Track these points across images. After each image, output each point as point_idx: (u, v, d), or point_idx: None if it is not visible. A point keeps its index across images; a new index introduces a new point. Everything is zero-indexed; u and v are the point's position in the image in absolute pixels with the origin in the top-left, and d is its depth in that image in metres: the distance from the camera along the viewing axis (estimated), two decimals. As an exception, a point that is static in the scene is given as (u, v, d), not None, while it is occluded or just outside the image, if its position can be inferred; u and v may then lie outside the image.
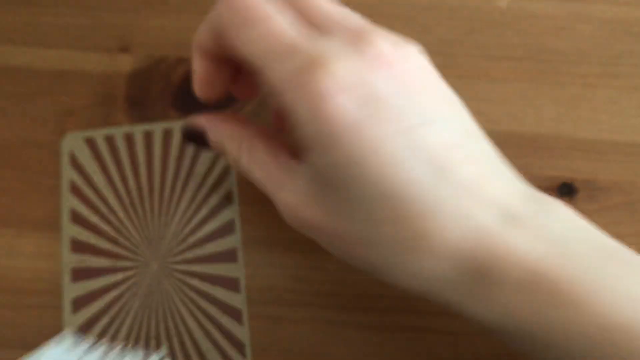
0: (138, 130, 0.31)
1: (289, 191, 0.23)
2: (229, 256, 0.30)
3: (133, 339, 0.29)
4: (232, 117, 0.27)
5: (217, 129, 0.26)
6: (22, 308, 0.30)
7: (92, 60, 0.33)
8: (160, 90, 0.32)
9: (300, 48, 0.21)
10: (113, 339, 0.29)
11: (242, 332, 0.29)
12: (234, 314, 0.30)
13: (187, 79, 0.32)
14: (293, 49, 0.21)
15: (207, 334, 0.29)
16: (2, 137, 0.32)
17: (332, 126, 0.20)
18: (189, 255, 0.30)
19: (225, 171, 0.31)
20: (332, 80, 0.20)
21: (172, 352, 0.29)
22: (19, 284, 0.30)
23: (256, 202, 0.31)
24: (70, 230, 0.30)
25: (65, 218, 0.30)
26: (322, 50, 0.21)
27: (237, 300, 0.30)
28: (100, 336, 0.29)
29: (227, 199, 0.31)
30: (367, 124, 0.20)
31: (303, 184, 0.23)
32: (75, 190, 0.30)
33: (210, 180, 0.31)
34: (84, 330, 0.29)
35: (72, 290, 0.29)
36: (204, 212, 0.30)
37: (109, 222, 0.30)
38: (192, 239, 0.30)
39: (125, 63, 0.33)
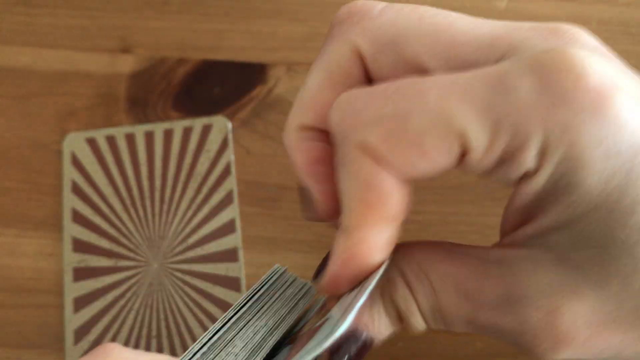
0: (139, 131, 0.31)
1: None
2: (229, 256, 0.29)
3: (134, 338, 0.28)
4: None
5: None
6: (23, 307, 0.29)
7: (93, 61, 0.32)
8: (161, 91, 0.32)
9: None
10: (114, 338, 0.28)
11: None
12: (234, 313, 0.29)
13: (187, 79, 0.32)
14: None
15: (208, 333, 0.29)
16: (4, 137, 0.31)
17: None
18: (190, 254, 0.29)
19: (226, 171, 0.30)
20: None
21: (173, 351, 0.29)
22: (20, 284, 0.29)
23: (256, 202, 0.30)
24: (72, 230, 0.29)
25: (67, 218, 0.30)
26: None
27: (237, 299, 0.29)
28: (102, 335, 0.28)
29: (228, 199, 0.30)
30: None
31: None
32: (76, 190, 0.30)
33: (211, 180, 0.30)
34: (85, 329, 0.28)
35: (73, 289, 0.29)
36: (204, 211, 0.30)
37: (110, 221, 0.30)
38: (192, 239, 0.30)
39: (127, 64, 0.32)
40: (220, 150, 0.30)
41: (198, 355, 0.17)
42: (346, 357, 0.17)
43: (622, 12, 0.32)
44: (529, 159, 0.14)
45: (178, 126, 0.31)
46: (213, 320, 0.29)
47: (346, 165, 0.15)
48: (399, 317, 0.17)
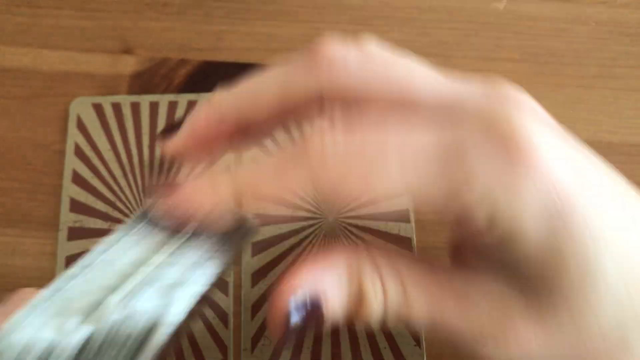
0: (144, 100, 0.31)
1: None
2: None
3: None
4: (344, 249, 0.18)
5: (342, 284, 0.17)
6: None
7: (94, 62, 0.32)
8: (162, 91, 0.31)
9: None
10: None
11: (226, 302, 0.28)
12: (223, 288, 0.28)
13: (188, 80, 0.32)
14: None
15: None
16: (6, 138, 0.31)
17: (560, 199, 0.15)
18: (183, 224, 0.29)
19: (225, 147, 0.30)
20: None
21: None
22: (22, 283, 0.28)
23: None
24: (70, 190, 0.30)
25: (67, 178, 0.30)
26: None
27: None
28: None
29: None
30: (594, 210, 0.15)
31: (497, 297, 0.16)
32: (78, 152, 0.30)
33: (209, 155, 0.30)
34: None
35: (66, 248, 0.29)
36: (200, 184, 0.30)
37: (108, 186, 0.30)
38: (186, 209, 0.29)
39: (128, 64, 0.32)
40: (220, 126, 0.31)
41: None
42: (297, 321, 0.16)
43: (620, 13, 0.32)
44: (478, 222, 0.15)
45: (183, 99, 0.31)
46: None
47: (285, 171, 0.16)
48: (358, 299, 0.17)
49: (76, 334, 0.15)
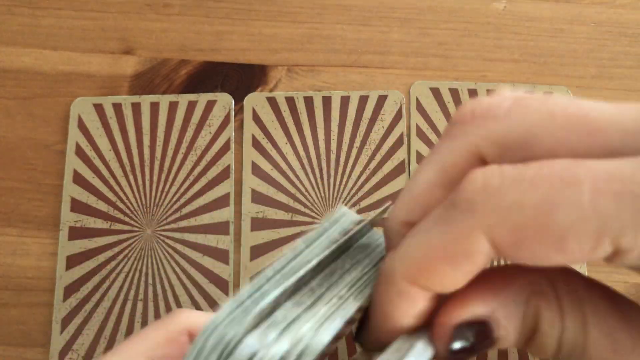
0: (145, 100, 0.30)
1: None
2: (221, 228, 0.29)
3: (121, 300, 0.28)
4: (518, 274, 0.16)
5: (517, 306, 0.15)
6: (26, 306, 0.28)
7: (95, 62, 0.31)
8: (163, 92, 0.31)
9: None
10: (102, 298, 0.28)
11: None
12: (220, 283, 0.28)
13: (189, 80, 0.31)
14: None
15: (193, 301, 0.28)
16: (7, 138, 0.30)
17: None
18: (183, 224, 0.29)
19: (226, 146, 0.30)
20: None
21: (157, 315, 0.27)
22: (23, 283, 0.28)
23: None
24: (71, 190, 0.29)
25: (68, 178, 0.29)
26: None
27: (225, 271, 0.28)
28: (90, 294, 0.28)
29: (225, 173, 0.30)
30: None
31: None
32: (79, 152, 0.29)
33: (209, 154, 0.30)
34: (75, 287, 0.28)
35: (67, 248, 0.28)
36: (201, 184, 0.29)
37: (109, 185, 0.29)
38: (187, 209, 0.29)
39: (129, 65, 0.31)
40: (222, 126, 0.30)
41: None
42: (464, 343, 0.15)
43: (619, 13, 0.31)
44: None
45: (183, 99, 0.30)
46: (199, 288, 0.28)
47: (452, 228, 0.14)
48: (533, 331, 0.15)
49: (275, 347, 0.14)
